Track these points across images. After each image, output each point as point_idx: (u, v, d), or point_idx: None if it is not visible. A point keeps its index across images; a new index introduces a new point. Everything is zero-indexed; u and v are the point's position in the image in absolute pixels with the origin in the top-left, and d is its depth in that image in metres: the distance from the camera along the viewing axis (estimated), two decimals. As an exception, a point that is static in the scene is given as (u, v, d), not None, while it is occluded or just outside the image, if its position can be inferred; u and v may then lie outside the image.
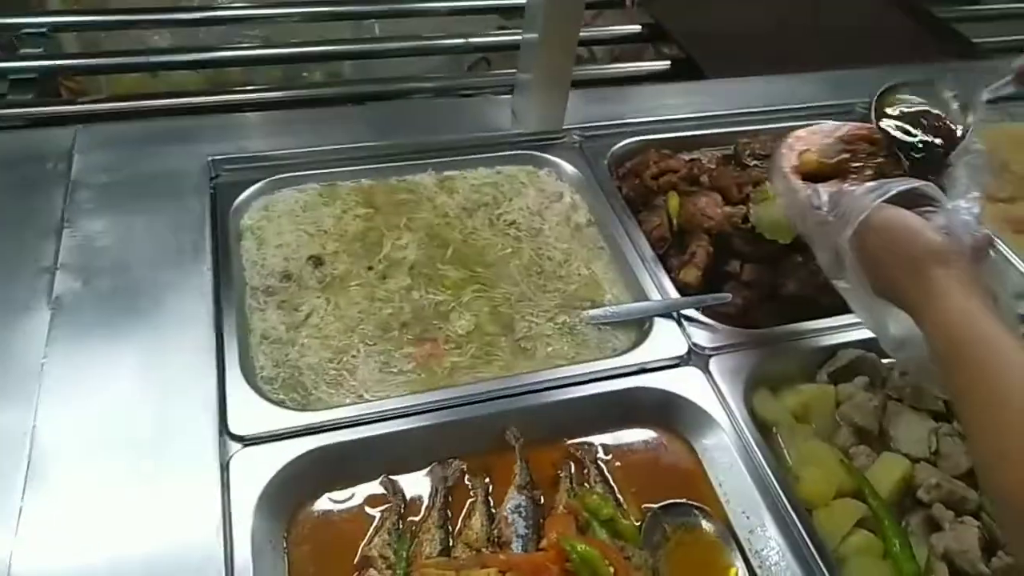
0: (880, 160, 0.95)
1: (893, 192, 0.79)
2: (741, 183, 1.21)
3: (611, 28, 1.81)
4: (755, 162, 1.32)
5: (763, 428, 0.97)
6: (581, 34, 1.28)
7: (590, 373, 0.98)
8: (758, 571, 0.85)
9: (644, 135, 1.37)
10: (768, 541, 0.86)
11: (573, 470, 0.92)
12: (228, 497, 0.82)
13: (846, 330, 1.07)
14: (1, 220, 1.07)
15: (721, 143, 1.41)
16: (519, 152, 1.32)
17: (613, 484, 0.91)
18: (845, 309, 1.07)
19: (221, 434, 0.87)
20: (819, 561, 0.83)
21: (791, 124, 1.35)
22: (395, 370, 0.99)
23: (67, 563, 0.76)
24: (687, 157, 1.36)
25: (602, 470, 0.92)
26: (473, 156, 1.30)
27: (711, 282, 1.14)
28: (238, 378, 0.92)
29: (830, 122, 1.00)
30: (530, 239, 1.19)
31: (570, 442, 0.95)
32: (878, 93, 1.01)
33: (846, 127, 0.99)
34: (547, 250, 1.18)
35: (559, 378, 0.98)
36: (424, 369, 1.00)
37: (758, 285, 1.13)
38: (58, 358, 0.91)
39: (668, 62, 1.73)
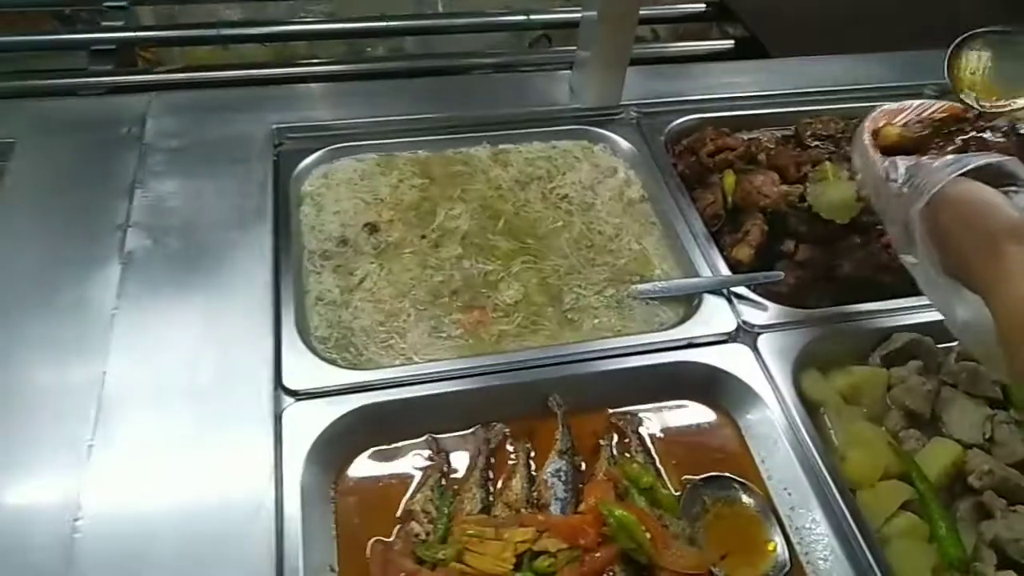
0: (966, 137, 0.92)
1: (972, 166, 0.75)
2: (800, 162, 1.19)
3: (676, 6, 1.78)
4: (816, 143, 1.30)
5: (810, 408, 0.96)
6: (645, 12, 1.27)
7: (636, 345, 0.99)
8: (797, 547, 0.85)
9: (702, 113, 1.35)
10: (809, 519, 0.86)
11: (615, 439, 0.93)
12: (280, 448, 0.86)
13: (902, 313, 1.05)
14: (78, 180, 1.13)
15: (782, 123, 1.39)
16: (575, 127, 1.32)
17: (654, 455, 0.92)
18: (902, 292, 1.06)
19: (276, 388, 0.91)
20: (861, 541, 0.82)
21: (856, 105, 1.33)
22: (444, 335, 1.01)
23: (129, 500, 0.81)
24: (746, 136, 1.34)
25: (644, 441, 0.93)
26: (529, 130, 1.31)
27: (764, 262, 1.13)
28: (293, 336, 0.96)
29: (920, 100, 0.97)
30: (581, 213, 1.20)
31: (613, 412, 0.96)
32: (950, 49, 0.96)
33: (936, 105, 0.96)
34: (598, 224, 1.18)
35: (604, 349, 0.98)
36: (472, 335, 1.02)
37: (812, 265, 1.11)
38: (128, 310, 0.97)
39: (732, 41, 1.70)
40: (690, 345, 1.00)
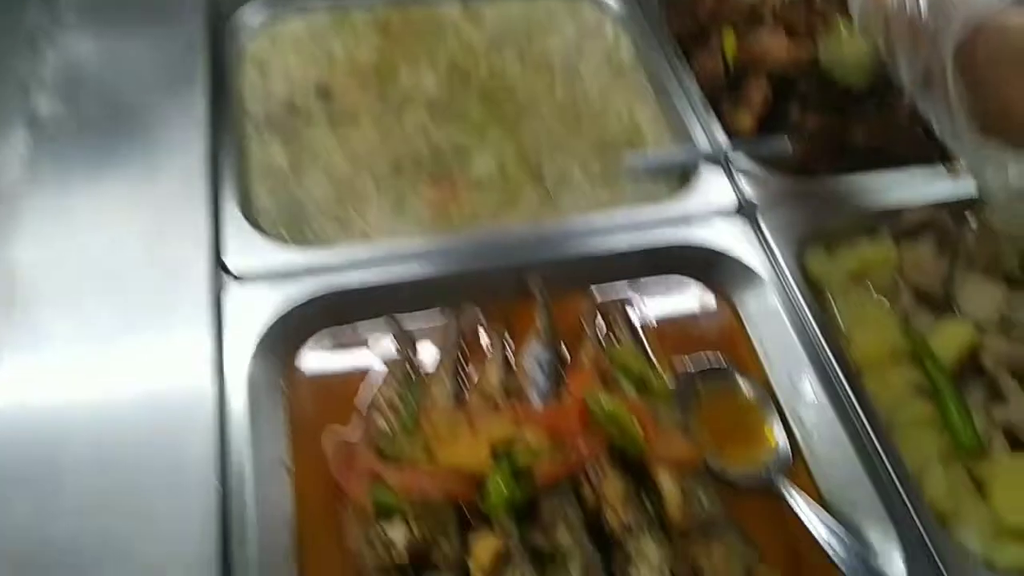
0: None
1: None
2: (810, 19, 1.05)
3: None
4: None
5: (815, 288, 0.87)
6: None
7: (625, 222, 0.88)
8: (799, 435, 0.78)
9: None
10: (812, 405, 0.78)
11: (601, 324, 0.84)
12: (221, 336, 0.75)
13: (918, 186, 0.95)
14: (-22, 34, 0.97)
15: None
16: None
17: (644, 340, 0.83)
18: (918, 162, 0.96)
19: (215, 270, 0.79)
20: (868, 428, 0.75)
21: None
22: (408, 212, 0.90)
23: (50, 404, 0.70)
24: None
25: (633, 325, 0.84)
26: (505, -16, 1.16)
27: (768, 131, 1.01)
28: (235, 213, 0.84)
29: None
30: (564, 78, 1.06)
31: (599, 295, 0.86)
32: None
33: None
34: (583, 91, 1.05)
35: (589, 226, 0.88)
36: (440, 212, 0.90)
37: (821, 134, 1.00)
38: (39, 186, 0.83)
39: None
40: (685, 221, 0.90)
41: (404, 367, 0.78)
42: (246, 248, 0.81)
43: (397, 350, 0.80)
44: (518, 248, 0.86)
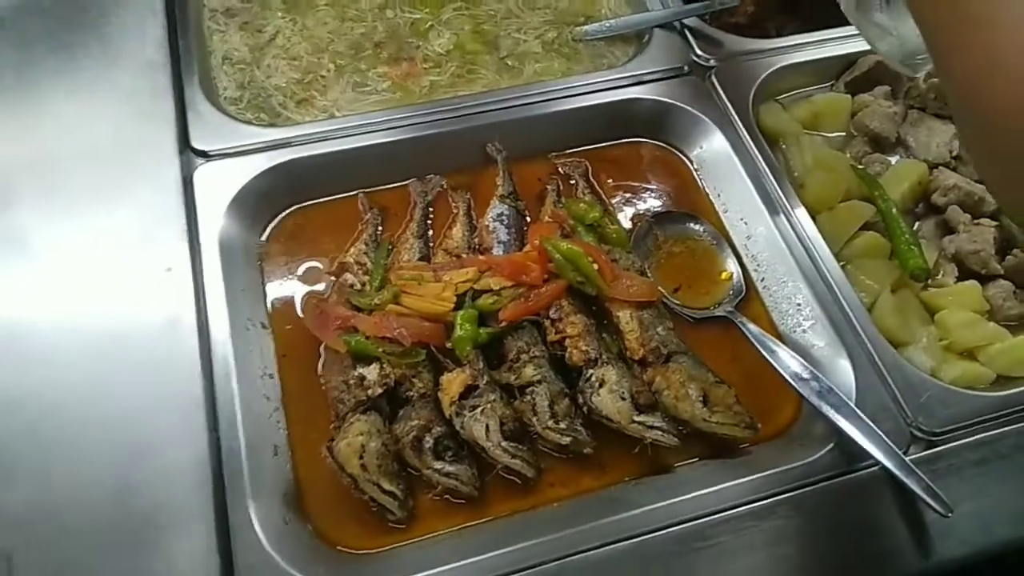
0: None
1: None
2: None
3: None
4: None
5: (770, 140, 0.89)
6: None
7: (582, 85, 0.90)
8: (754, 274, 0.81)
9: None
10: (766, 245, 0.82)
11: (560, 183, 0.86)
12: (194, 211, 0.78)
13: (869, 37, 0.96)
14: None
15: None
16: None
17: (603, 195, 0.86)
18: (871, 13, 0.96)
19: (183, 151, 0.82)
20: (820, 260, 0.78)
21: None
22: (369, 89, 0.91)
23: (40, 285, 0.73)
24: None
25: (591, 181, 0.86)
26: None
27: (721, -7, 1.02)
28: (199, 97, 0.86)
29: None
30: (519, -46, 1.06)
31: (558, 155, 0.89)
32: None
33: None
34: (538, -35, 1.05)
35: (548, 91, 0.89)
36: (401, 88, 0.92)
37: (773, -8, 1.01)
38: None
39: None
40: (640, 82, 0.91)
41: (373, 231, 0.81)
42: (212, 130, 0.83)
43: (365, 214, 0.82)
44: (477, 115, 0.87)
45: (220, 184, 0.80)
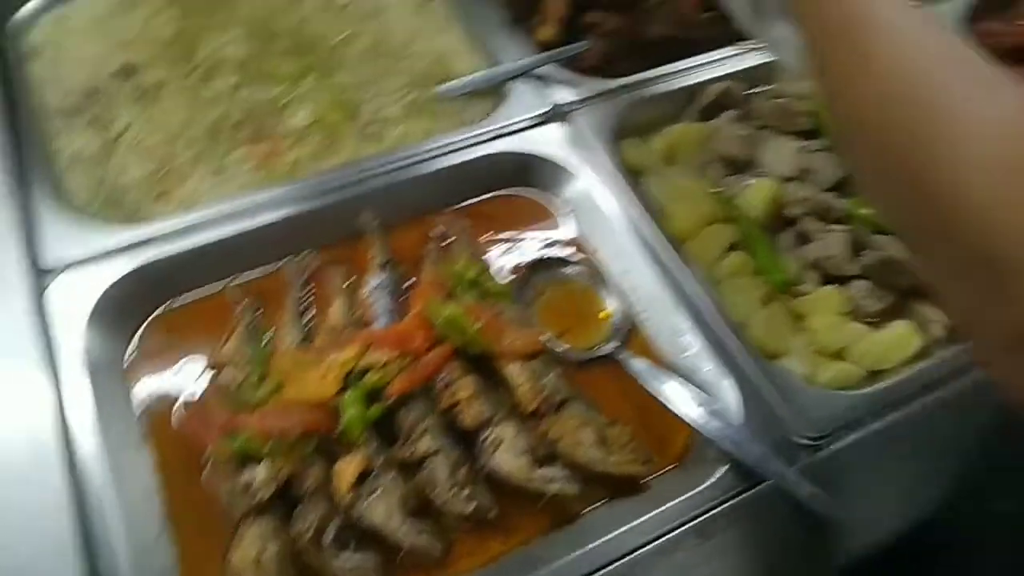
0: None
1: None
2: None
3: None
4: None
5: (634, 176, 0.93)
6: None
7: (446, 145, 0.91)
8: (635, 307, 0.84)
9: None
10: (641, 278, 0.84)
11: (438, 245, 0.87)
12: (52, 331, 0.73)
13: (713, 66, 1.02)
14: None
15: None
16: (348, -75, 1.16)
17: (480, 250, 0.87)
18: (712, 46, 1.03)
19: (33, 265, 0.77)
20: (695, 287, 0.82)
21: None
22: (230, 174, 0.90)
23: None
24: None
25: (467, 239, 0.87)
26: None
27: (572, 37, 1.06)
28: (47, 203, 0.82)
29: None
30: (371, 20, 1.07)
31: (433, 216, 0.89)
32: None
33: None
34: (390, 29, 1.06)
35: (412, 155, 0.90)
36: (264, 168, 0.91)
37: (621, 32, 1.05)
38: None
39: None
40: (503, 134, 0.93)
41: (248, 320, 0.79)
42: (64, 238, 0.80)
43: (237, 305, 0.80)
44: (345, 186, 0.87)
45: (77, 296, 0.76)
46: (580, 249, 0.88)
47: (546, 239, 0.89)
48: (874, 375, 0.80)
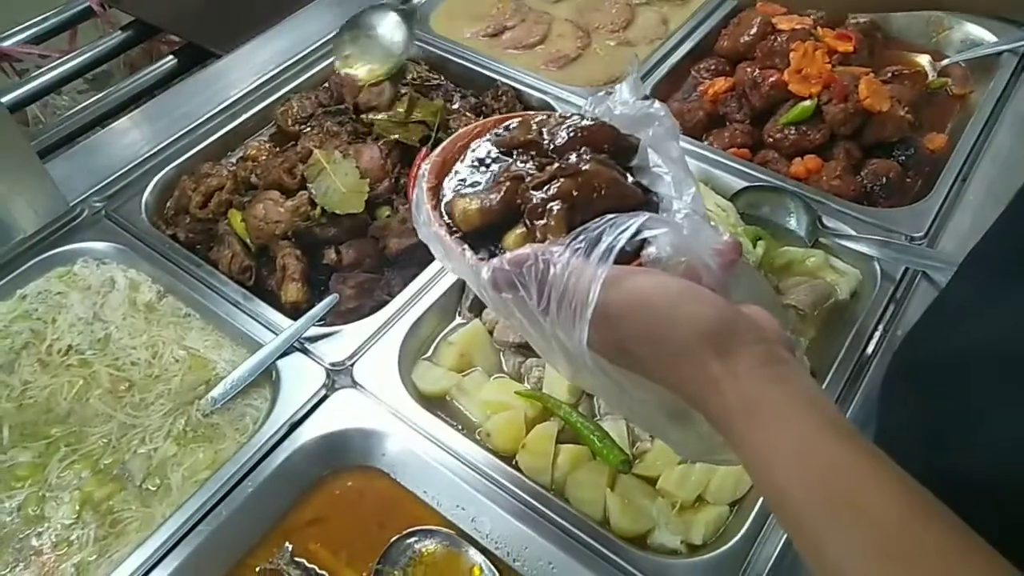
0: (550, 169, 0.58)
1: (616, 250, 0.51)
2: (291, 167, 1.07)
3: (83, 53, 1.50)
4: (300, 127, 1.20)
5: (439, 402, 0.90)
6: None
7: (237, 471, 0.83)
8: (498, 552, 0.80)
9: (172, 161, 1.16)
10: (492, 520, 0.81)
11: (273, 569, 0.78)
12: None
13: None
14: None
15: (266, 122, 1.26)
16: (35, 260, 1.05)
17: (320, 566, 0.79)
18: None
19: None
20: (544, 505, 0.80)
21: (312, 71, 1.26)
22: (5, 627, 0.76)
23: None
24: (234, 159, 1.20)
25: (301, 563, 0.79)
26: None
27: (319, 285, 1.02)
28: None
29: (460, 129, 0.67)
30: (100, 354, 0.96)
31: (255, 553, 0.80)
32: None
33: (480, 126, 0.65)
34: (127, 355, 0.96)
35: (205, 500, 0.81)
36: (44, 593, 0.77)
37: (362, 261, 1.03)
38: None
39: (171, 57, 1.50)
40: (295, 425, 0.87)
41: None
42: None
43: None
44: (148, 571, 0.76)
45: None
46: (421, 511, 0.83)
47: (386, 516, 0.83)
48: (740, 504, 0.82)
